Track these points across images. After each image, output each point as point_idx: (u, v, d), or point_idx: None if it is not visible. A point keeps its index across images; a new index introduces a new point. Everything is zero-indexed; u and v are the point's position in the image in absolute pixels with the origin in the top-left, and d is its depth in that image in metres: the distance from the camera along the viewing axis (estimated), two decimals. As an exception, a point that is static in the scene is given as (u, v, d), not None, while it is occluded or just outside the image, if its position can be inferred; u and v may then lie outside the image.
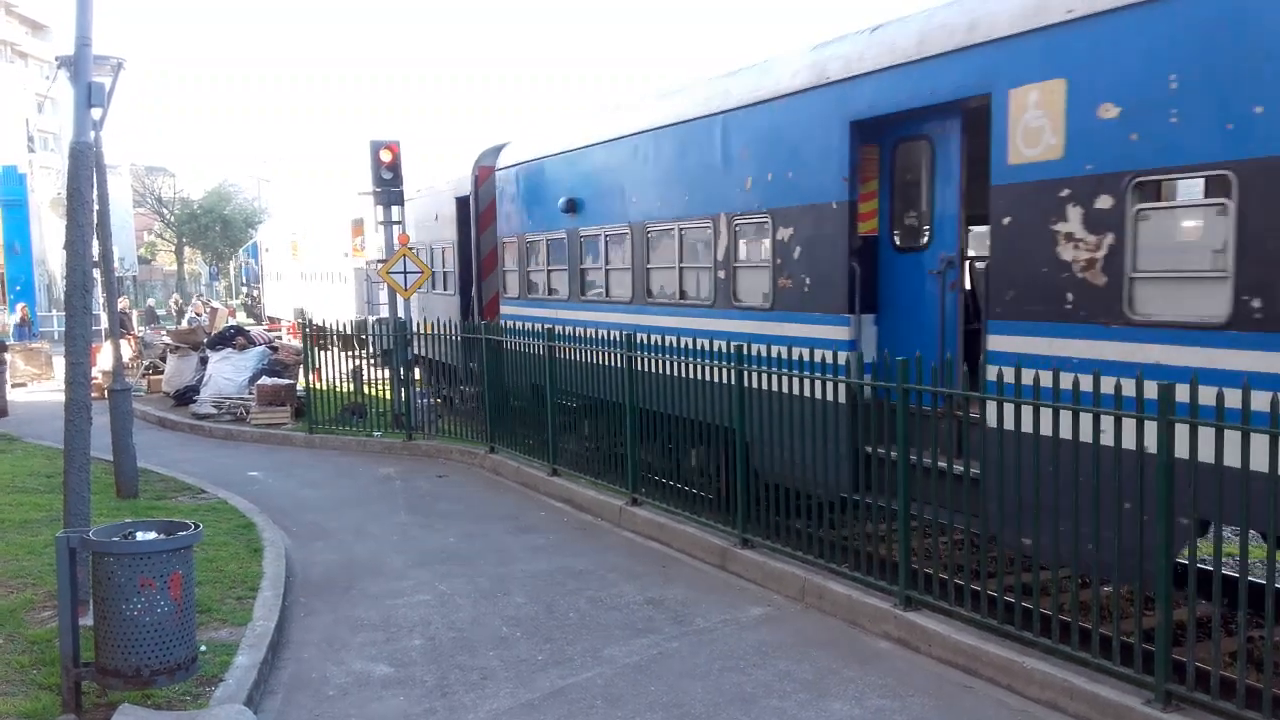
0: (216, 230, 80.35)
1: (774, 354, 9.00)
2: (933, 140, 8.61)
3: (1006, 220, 7.53)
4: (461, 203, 18.07)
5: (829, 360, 8.32)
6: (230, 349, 20.85)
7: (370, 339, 18.34)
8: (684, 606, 8.31)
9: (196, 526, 6.16)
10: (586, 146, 13.61)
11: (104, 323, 20.71)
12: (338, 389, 17.82)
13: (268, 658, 7.08)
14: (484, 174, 17.22)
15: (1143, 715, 5.76)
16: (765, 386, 9.10)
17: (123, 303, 27.94)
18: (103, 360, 19.22)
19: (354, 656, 7.41)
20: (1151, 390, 5.89)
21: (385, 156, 16.70)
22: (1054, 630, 6.49)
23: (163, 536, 6.00)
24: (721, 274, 10.82)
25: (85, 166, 7.53)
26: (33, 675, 6.56)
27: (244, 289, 65.76)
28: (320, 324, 17.90)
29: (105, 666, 5.89)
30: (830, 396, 8.38)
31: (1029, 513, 6.71)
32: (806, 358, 8.57)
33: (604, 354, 11.58)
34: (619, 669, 7.06)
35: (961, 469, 7.46)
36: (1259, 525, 5.79)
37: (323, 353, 17.92)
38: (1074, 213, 6.99)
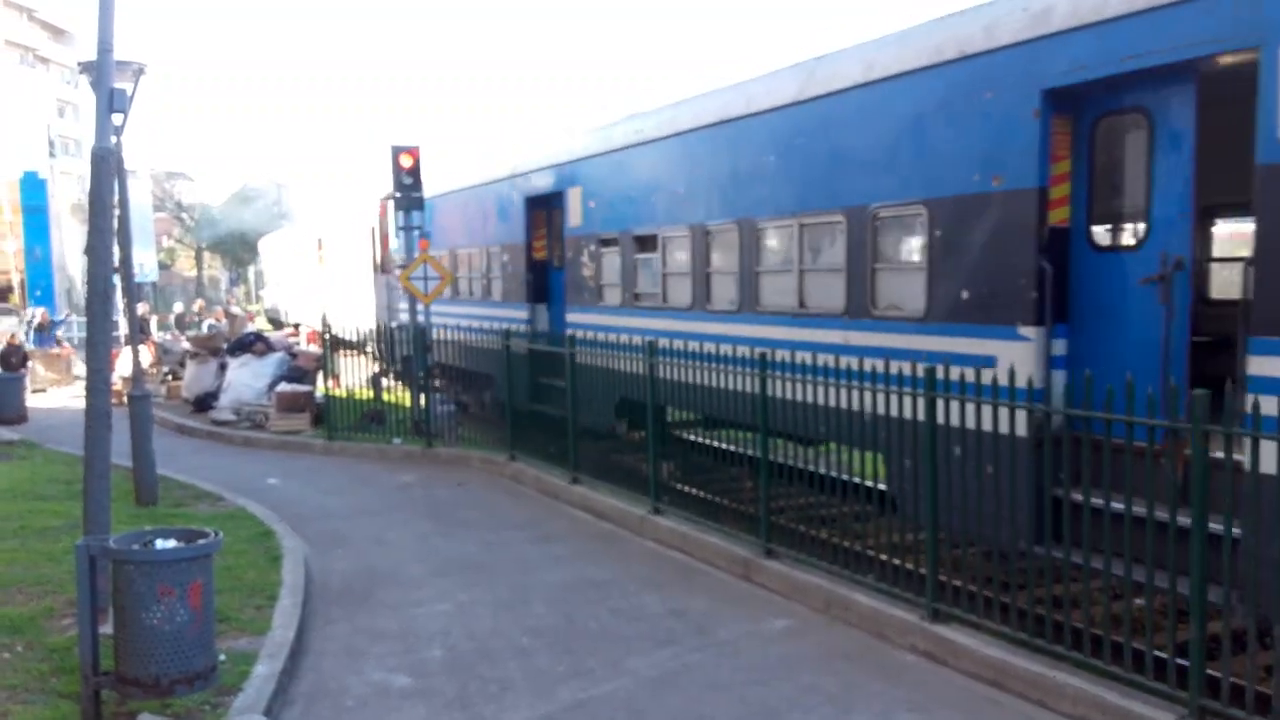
0: (236, 235, 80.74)
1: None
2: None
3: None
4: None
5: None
6: (249, 355, 20.88)
7: (394, 346, 18.30)
8: (706, 617, 8.22)
9: (216, 534, 6.12)
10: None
11: (124, 328, 20.77)
12: (357, 395, 17.81)
13: (287, 667, 7.03)
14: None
15: (1177, 732, 5.64)
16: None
17: (142, 308, 28.05)
18: (122, 366, 19.27)
19: (373, 666, 7.36)
20: None
21: (406, 161, 16.68)
22: (1085, 644, 6.38)
23: (182, 545, 5.97)
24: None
25: (106, 172, 7.52)
26: (52, 683, 6.52)
27: (260, 294, 66.38)
28: (339, 331, 17.90)
29: (125, 675, 5.85)
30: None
31: None
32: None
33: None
34: (640, 681, 6.98)
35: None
36: None
37: (346, 359, 17.92)
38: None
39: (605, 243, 14.08)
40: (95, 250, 7.54)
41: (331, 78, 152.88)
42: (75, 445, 11.14)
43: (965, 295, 8.28)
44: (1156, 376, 6.76)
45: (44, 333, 30.73)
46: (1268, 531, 5.68)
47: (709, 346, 10.28)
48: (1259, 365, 6.17)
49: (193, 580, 5.83)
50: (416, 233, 17.05)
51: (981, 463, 7.11)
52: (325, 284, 34.65)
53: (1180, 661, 5.86)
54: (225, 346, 22.32)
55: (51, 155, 53.99)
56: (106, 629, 6.16)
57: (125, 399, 12.98)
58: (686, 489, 10.92)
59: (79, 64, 11.97)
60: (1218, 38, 6.29)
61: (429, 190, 17.84)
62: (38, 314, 31.75)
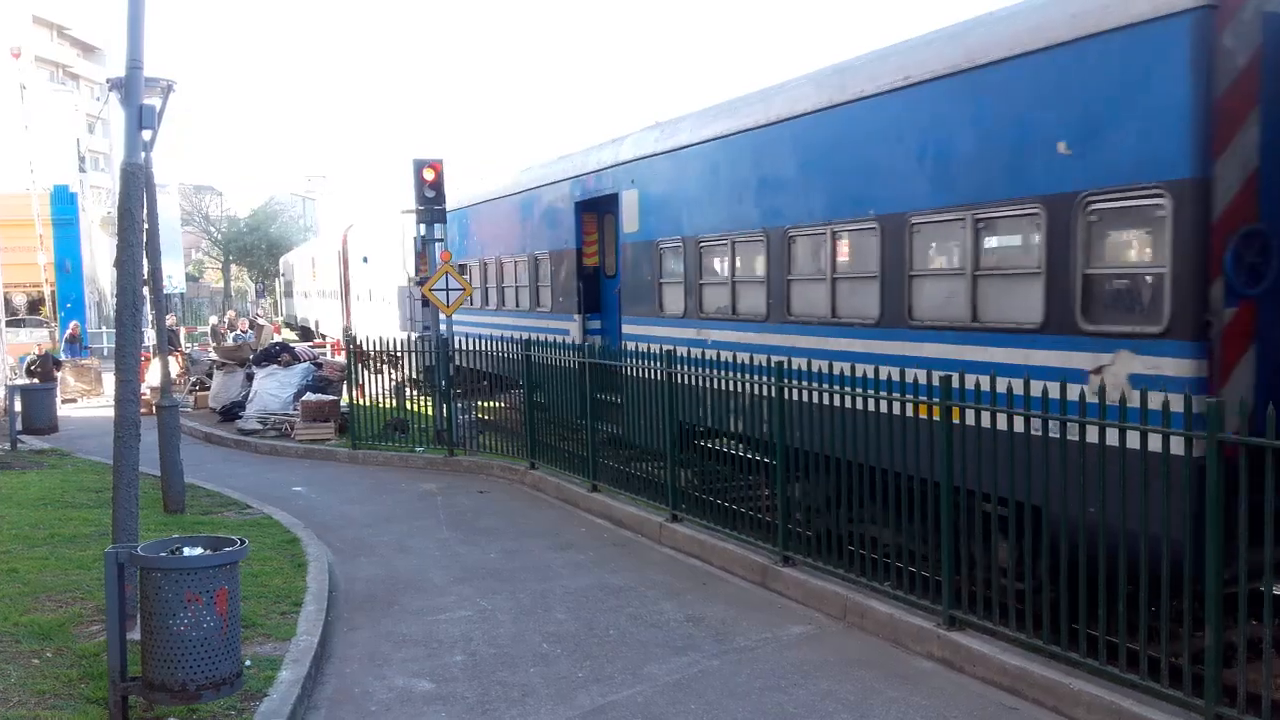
0: (263, 248, 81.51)
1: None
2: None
3: None
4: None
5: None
6: (275, 365, 21.09)
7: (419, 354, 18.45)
8: (724, 624, 8.28)
9: (242, 542, 6.23)
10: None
11: (152, 339, 21.04)
12: (381, 405, 17.97)
13: (311, 673, 7.13)
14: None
15: (1193, 739, 5.64)
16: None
17: (171, 320, 28.41)
18: (151, 377, 19.52)
19: (396, 672, 7.45)
20: None
21: (428, 175, 16.85)
22: (1101, 651, 6.39)
23: (209, 552, 6.07)
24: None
25: (136, 186, 7.67)
26: (81, 689, 6.64)
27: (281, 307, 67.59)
28: (361, 342, 18.07)
29: (152, 681, 5.95)
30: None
31: None
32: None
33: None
34: (659, 687, 7.05)
35: None
36: None
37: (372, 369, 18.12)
38: None
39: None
40: (124, 263, 7.68)
41: (358, 92, 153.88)
42: (105, 454, 11.30)
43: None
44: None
45: (75, 344, 31.08)
46: None
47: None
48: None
49: (219, 587, 5.93)
50: (439, 244, 17.20)
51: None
52: (355, 296, 35.83)
53: (1196, 669, 5.87)
54: (252, 357, 22.56)
55: (82, 170, 54.64)
56: (134, 635, 6.27)
57: (154, 409, 13.15)
58: (705, 497, 10.95)
59: (108, 80, 12.20)
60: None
61: (457, 200, 17.91)
62: (70, 326, 32.12)
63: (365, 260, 33.08)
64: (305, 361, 21.72)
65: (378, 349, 17.81)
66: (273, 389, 20.31)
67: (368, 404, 17.79)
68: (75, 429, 21.21)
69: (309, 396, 19.34)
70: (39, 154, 39.46)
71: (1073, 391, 7.06)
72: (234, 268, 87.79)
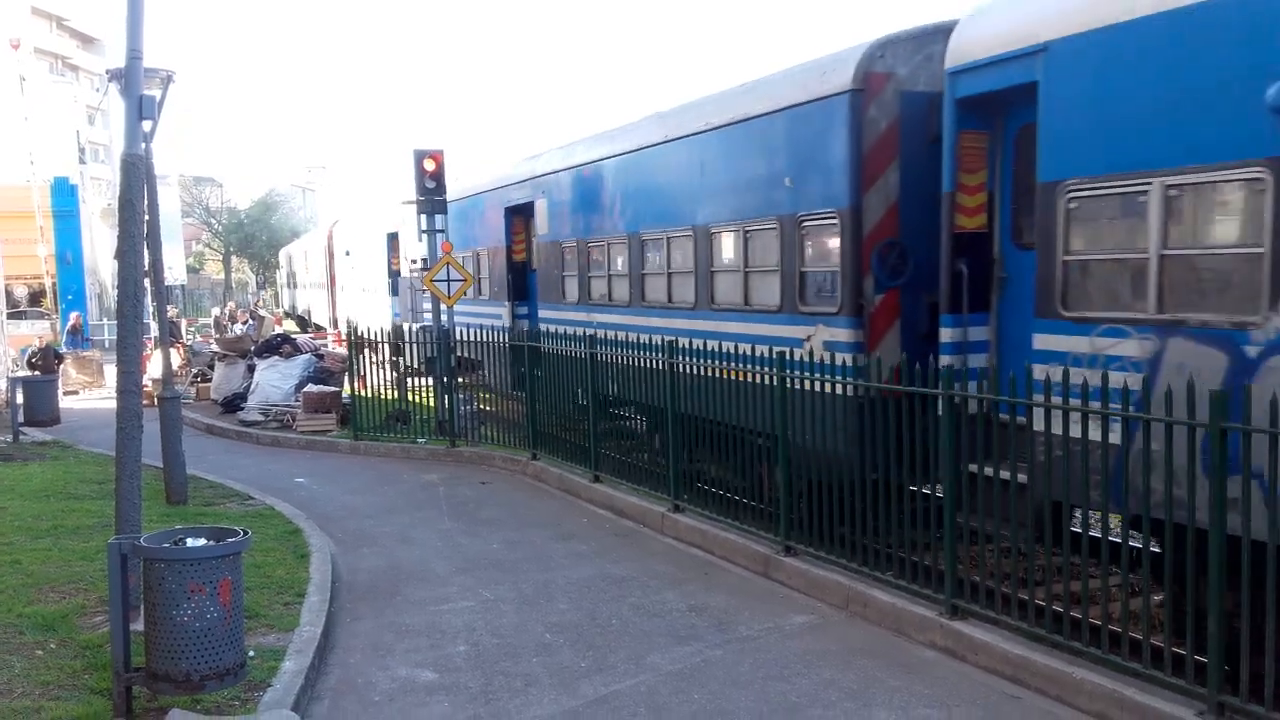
0: (263, 239, 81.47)
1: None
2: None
3: None
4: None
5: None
6: (277, 357, 21.11)
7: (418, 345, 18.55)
8: (727, 614, 8.29)
9: (245, 533, 6.23)
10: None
11: (154, 331, 21.05)
12: (382, 396, 17.98)
13: (314, 663, 7.15)
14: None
15: (1196, 727, 5.65)
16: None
17: (172, 311, 28.39)
18: (152, 368, 19.53)
19: (399, 662, 7.47)
20: None
21: (429, 166, 16.83)
22: (1104, 640, 6.39)
23: (212, 543, 6.08)
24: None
25: (136, 178, 7.67)
26: (84, 680, 6.66)
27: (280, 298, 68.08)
28: (364, 333, 18.07)
29: (155, 671, 5.97)
30: None
31: None
32: None
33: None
34: (662, 676, 7.06)
35: None
36: None
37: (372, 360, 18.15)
38: None
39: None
40: (125, 254, 7.68)
41: (358, 83, 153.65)
42: (107, 446, 11.33)
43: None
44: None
45: (76, 335, 31.09)
46: None
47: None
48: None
49: (222, 578, 5.94)
50: (440, 235, 17.19)
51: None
52: (340, 287, 37.50)
53: (1199, 657, 5.87)
54: (253, 348, 22.56)
55: (82, 161, 54.66)
56: (137, 626, 6.29)
57: (156, 400, 13.16)
58: (707, 487, 10.97)
59: (108, 71, 12.19)
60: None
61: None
62: (72, 318, 32.13)
63: (348, 254, 36.08)
64: (307, 353, 21.74)
65: (376, 340, 17.83)
66: (274, 380, 20.31)
67: (369, 395, 17.80)
68: (77, 421, 21.23)
69: (310, 388, 19.35)
70: (39, 146, 39.41)
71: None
72: (234, 259, 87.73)
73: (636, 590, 9.00)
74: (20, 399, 19.40)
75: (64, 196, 41.29)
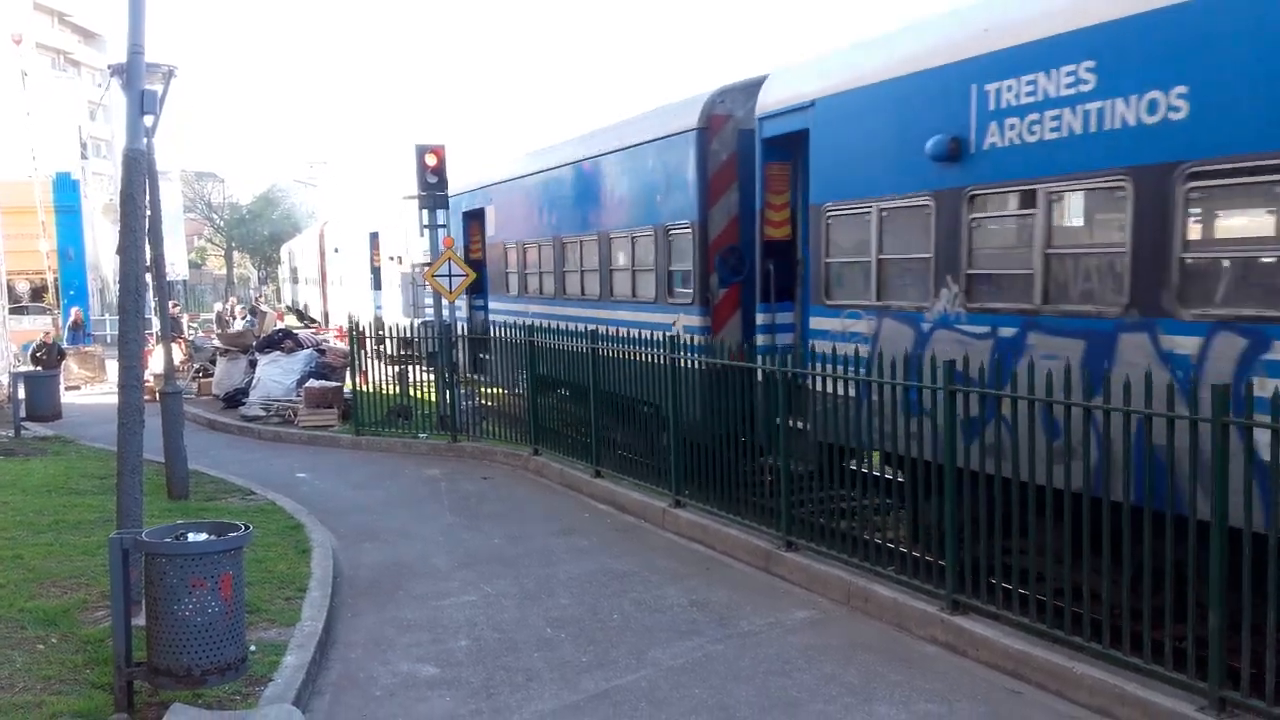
0: (265, 234, 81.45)
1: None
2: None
3: None
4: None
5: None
6: (278, 352, 21.10)
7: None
8: (728, 609, 8.29)
9: (246, 528, 6.24)
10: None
11: (155, 326, 21.06)
12: (384, 391, 17.98)
13: (316, 658, 7.15)
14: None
15: (1196, 722, 5.66)
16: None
17: (174, 307, 28.40)
18: (154, 363, 19.53)
19: (400, 657, 7.47)
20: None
21: (430, 161, 16.80)
22: (1104, 635, 6.40)
23: (214, 538, 6.08)
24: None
25: (138, 173, 7.66)
26: (86, 674, 6.67)
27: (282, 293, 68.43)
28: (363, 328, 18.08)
29: (157, 666, 5.97)
30: None
31: None
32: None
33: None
34: (663, 671, 7.06)
35: None
36: None
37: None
38: None
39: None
40: (127, 249, 7.68)
41: (360, 78, 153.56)
42: (109, 441, 11.35)
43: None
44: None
45: (78, 331, 31.08)
46: None
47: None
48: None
49: (224, 572, 5.94)
50: (442, 231, 17.18)
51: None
52: (330, 283, 39.21)
53: (1200, 652, 5.87)
54: (255, 344, 22.56)
55: (84, 157, 54.58)
56: (139, 621, 6.28)
57: (157, 395, 13.16)
58: (708, 483, 10.96)
59: (110, 66, 12.18)
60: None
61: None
62: (73, 313, 32.14)
63: (336, 251, 38.73)
64: (308, 348, 21.73)
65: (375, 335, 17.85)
66: (276, 376, 20.32)
67: (371, 390, 17.81)
68: (79, 416, 21.25)
69: (312, 383, 19.35)
70: (41, 141, 39.39)
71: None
72: (236, 254, 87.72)
73: (638, 585, 9.00)
74: (22, 394, 19.40)
75: (66, 192, 41.25)
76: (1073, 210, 7.67)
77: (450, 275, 16.46)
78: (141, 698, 6.26)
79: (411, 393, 18.02)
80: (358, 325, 18.24)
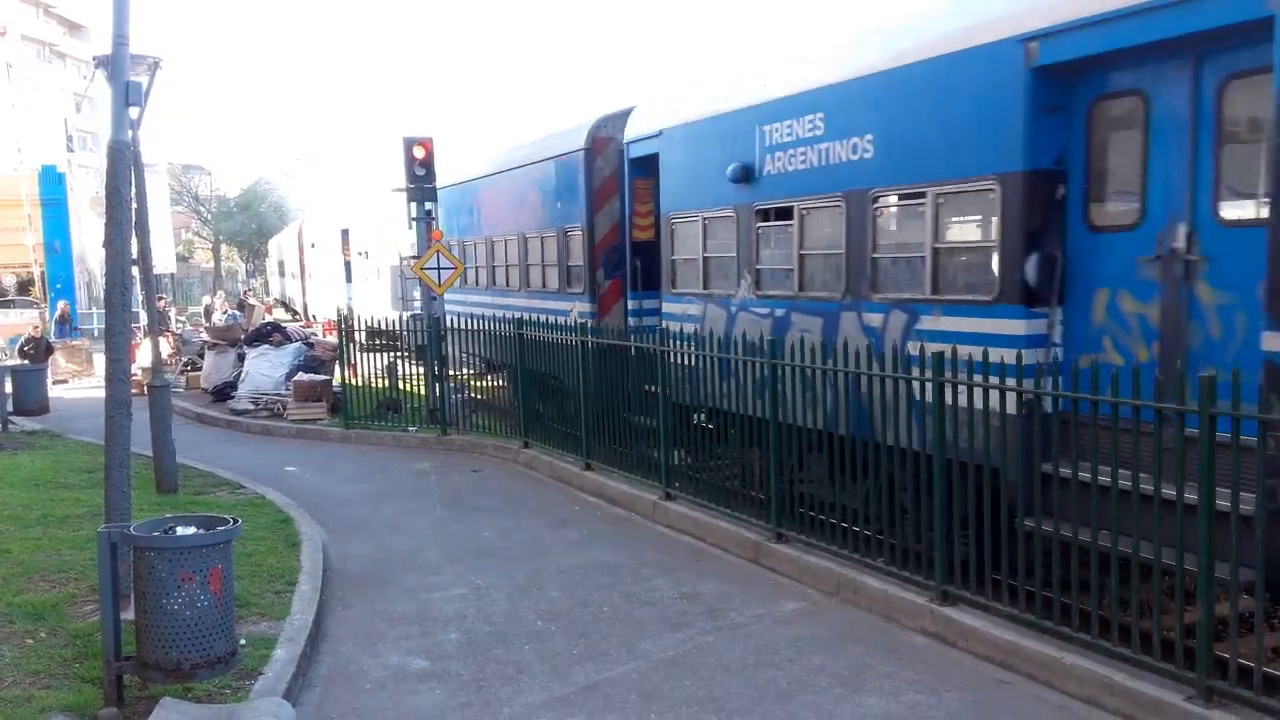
0: (253, 227, 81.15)
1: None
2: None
3: None
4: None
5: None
6: (267, 345, 21.03)
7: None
8: (718, 601, 8.30)
9: (236, 521, 6.22)
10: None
11: (143, 320, 20.98)
12: (373, 384, 17.94)
13: (306, 651, 7.14)
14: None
15: (1184, 711, 5.69)
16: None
17: (161, 300, 28.29)
18: (142, 357, 19.46)
19: (390, 650, 7.47)
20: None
21: (418, 153, 16.77)
22: (1093, 626, 6.43)
23: (202, 531, 6.06)
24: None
25: (123, 165, 7.62)
26: (75, 668, 6.65)
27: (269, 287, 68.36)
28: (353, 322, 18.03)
29: (146, 660, 5.95)
30: None
31: None
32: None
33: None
34: (653, 663, 7.07)
35: None
36: None
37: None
38: None
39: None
40: (113, 243, 7.64)
41: (346, 70, 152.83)
42: (96, 435, 11.28)
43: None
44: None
45: (64, 325, 30.94)
46: None
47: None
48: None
49: (213, 566, 5.93)
50: (431, 223, 17.14)
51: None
52: (309, 276, 42.63)
53: (1188, 643, 5.90)
54: (243, 337, 22.48)
55: (69, 149, 54.31)
56: (128, 615, 6.26)
57: (145, 389, 13.11)
58: (698, 475, 10.99)
59: (94, 58, 12.10)
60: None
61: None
62: (60, 307, 31.99)
63: (313, 246, 41.03)
64: (297, 341, 21.66)
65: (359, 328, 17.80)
66: (264, 369, 20.25)
67: (360, 384, 17.76)
68: (66, 410, 21.15)
69: (301, 376, 19.29)
70: (27, 133, 39.17)
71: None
72: (224, 247, 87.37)
73: (628, 577, 9.01)
74: (9, 388, 19.31)
75: (52, 185, 41.03)
76: (814, 222, 10.00)
77: (439, 268, 16.42)
78: (131, 692, 6.24)
79: (401, 385, 17.99)
80: (347, 318, 18.18)
